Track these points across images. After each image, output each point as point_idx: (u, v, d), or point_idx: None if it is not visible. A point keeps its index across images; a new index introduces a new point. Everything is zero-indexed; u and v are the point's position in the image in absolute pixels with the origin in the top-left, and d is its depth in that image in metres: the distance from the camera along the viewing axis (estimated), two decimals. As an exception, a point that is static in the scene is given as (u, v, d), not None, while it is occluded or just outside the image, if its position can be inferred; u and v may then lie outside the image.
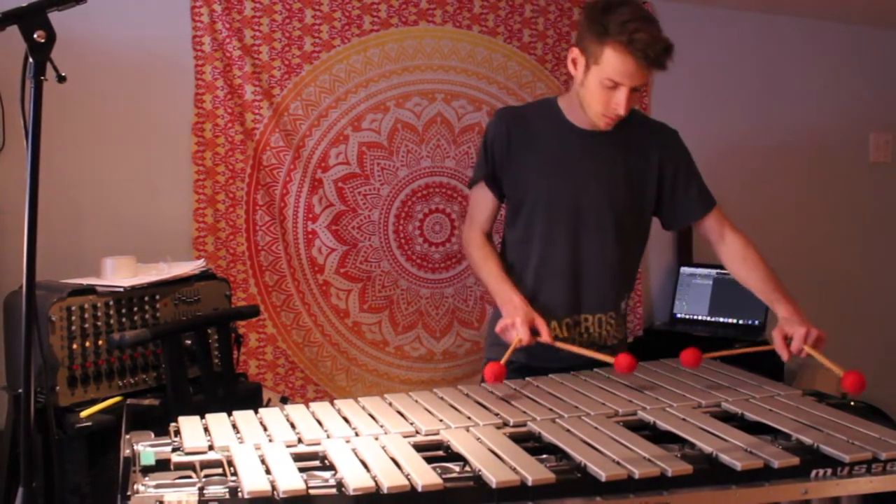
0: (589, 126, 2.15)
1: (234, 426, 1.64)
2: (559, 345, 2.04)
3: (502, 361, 1.93)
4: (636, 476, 1.43)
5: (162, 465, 1.48)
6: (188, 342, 2.37)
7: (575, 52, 2.08)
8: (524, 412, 1.75)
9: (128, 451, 1.51)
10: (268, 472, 1.40)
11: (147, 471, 1.46)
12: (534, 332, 2.02)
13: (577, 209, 2.16)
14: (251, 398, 2.56)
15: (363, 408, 1.77)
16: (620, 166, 2.17)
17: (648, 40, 1.95)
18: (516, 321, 2.01)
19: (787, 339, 1.96)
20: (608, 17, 1.98)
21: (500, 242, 2.33)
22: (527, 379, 2.01)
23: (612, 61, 1.99)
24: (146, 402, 2.29)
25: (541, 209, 2.18)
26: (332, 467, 1.46)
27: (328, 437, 1.59)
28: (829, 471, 1.53)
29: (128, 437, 1.58)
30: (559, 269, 2.17)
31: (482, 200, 2.26)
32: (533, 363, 2.15)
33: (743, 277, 2.18)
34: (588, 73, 2.05)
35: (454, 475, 1.45)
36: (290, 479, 1.36)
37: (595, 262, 2.18)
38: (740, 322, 3.68)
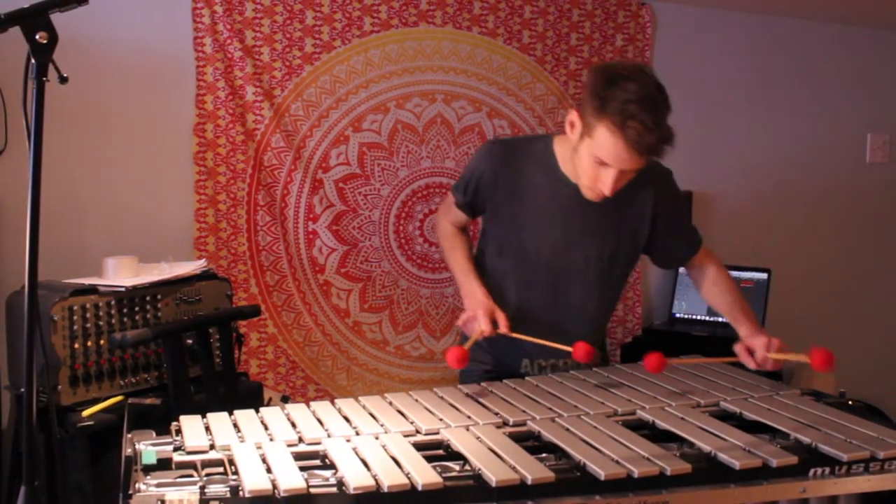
0: None
1: (235, 425, 1.65)
2: (517, 335, 2.06)
3: (466, 346, 1.98)
4: (635, 475, 1.44)
5: (163, 464, 1.49)
6: (189, 342, 2.38)
7: (573, 116, 1.94)
8: (524, 411, 1.75)
9: (129, 450, 1.51)
10: (269, 471, 1.40)
11: (148, 470, 1.46)
12: (494, 324, 2.03)
13: (561, 262, 2.10)
14: (252, 397, 2.56)
15: (363, 407, 1.78)
16: (613, 220, 2.09)
17: (642, 129, 1.79)
18: (478, 313, 2.03)
19: (752, 352, 1.99)
20: (610, 92, 1.81)
21: (477, 235, 2.33)
22: (526, 378, 2.02)
23: (603, 141, 1.84)
24: (148, 401, 2.30)
25: (523, 256, 2.12)
26: (332, 466, 1.46)
27: (329, 436, 1.60)
28: (828, 470, 1.54)
29: (129, 436, 1.59)
30: (536, 315, 2.13)
31: (457, 213, 2.24)
32: (500, 357, 2.19)
33: (711, 298, 2.20)
34: (581, 143, 1.92)
35: (454, 474, 1.45)
36: (291, 478, 1.37)
37: (575, 312, 2.14)
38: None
